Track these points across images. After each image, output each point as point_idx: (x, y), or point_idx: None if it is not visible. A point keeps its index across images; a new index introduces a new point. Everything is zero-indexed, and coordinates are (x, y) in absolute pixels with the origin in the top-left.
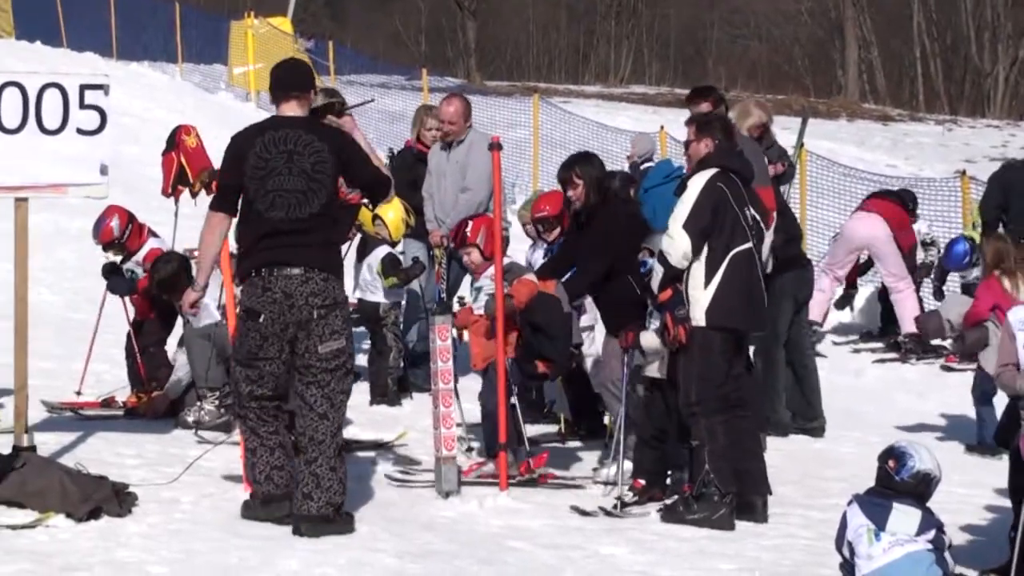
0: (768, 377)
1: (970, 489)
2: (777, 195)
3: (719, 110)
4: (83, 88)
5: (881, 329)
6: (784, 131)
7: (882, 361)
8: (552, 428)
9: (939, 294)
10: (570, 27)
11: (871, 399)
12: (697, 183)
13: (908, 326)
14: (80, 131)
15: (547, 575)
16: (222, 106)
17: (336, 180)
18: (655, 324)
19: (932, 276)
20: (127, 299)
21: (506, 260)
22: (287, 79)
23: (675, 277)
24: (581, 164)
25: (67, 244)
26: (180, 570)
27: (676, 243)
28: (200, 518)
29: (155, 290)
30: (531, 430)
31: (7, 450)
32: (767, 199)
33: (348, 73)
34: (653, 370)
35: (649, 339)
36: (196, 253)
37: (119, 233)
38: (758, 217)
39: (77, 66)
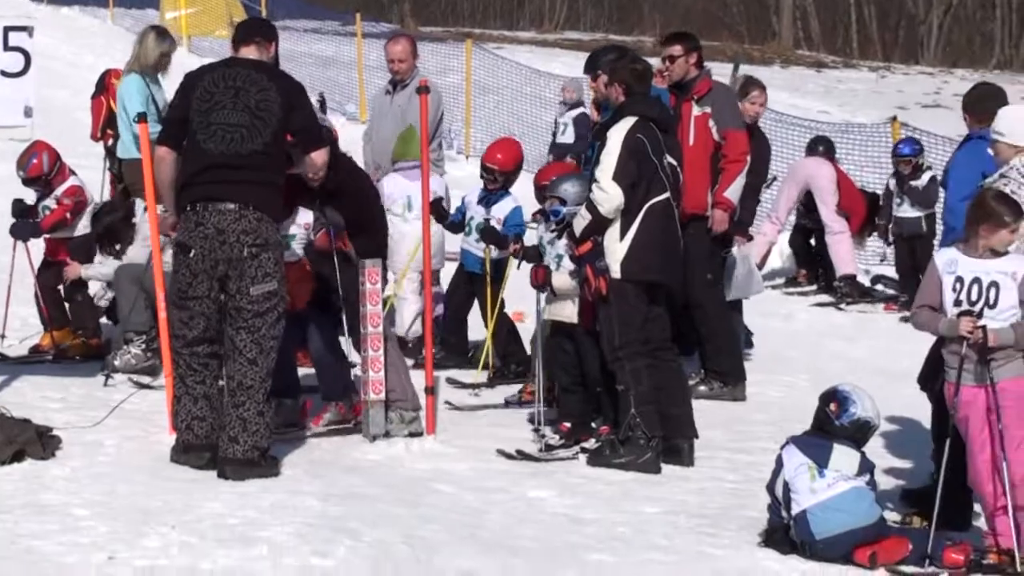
0: (720, 323)
1: (893, 427)
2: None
3: (692, 56)
4: (7, 30)
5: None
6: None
7: (819, 305)
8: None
9: None
10: None
11: (800, 344)
12: (617, 133)
13: (843, 268)
14: (4, 73)
15: (472, 518)
16: None
17: (282, 121)
18: (567, 266)
19: None
20: (31, 243)
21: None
22: (251, 26)
23: (597, 229)
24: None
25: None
26: (103, 512)
27: (611, 196)
28: (124, 461)
29: (98, 238)
30: (458, 375)
31: None
32: (741, 143)
33: (282, 18)
34: (565, 314)
35: (562, 280)
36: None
37: (47, 169)
38: (676, 164)
39: (3, 9)
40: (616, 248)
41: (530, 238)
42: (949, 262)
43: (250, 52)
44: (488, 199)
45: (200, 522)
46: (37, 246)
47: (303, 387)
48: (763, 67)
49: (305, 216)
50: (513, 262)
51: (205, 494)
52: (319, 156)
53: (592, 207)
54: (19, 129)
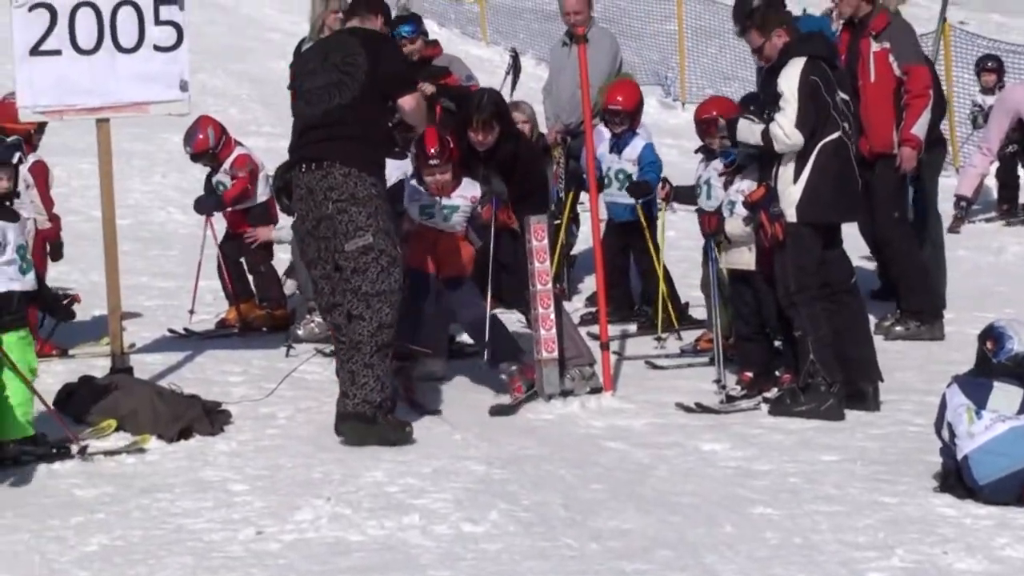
0: (910, 261)
1: None
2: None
3: None
4: (157, 3)
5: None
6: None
7: None
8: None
9: None
10: None
11: (1009, 278)
12: (791, 77)
13: None
14: (157, 48)
15: (637, 475)
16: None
17: (369, 74)
18: (740, 212)
19: None
20: (215, 216)
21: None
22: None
23: (767, 164)
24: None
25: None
26: (261, 487)
27: (792, 143)
28: (292, 433)
29: (277, 192)
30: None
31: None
32: (923, 77)
33: None
34: (743, 262)
35: (735, 226)
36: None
37: (213, 143)
38: (848, 99)
39: None
40: (790, 191)
41: (683, 177)
42: None
43: (353, 23)
44: (617, 144)
45: (357, 492)
46: (220, 222)
47: None
48: None
49: (472, 188)
50: (667, 213)
51: (366, 463)
52: (405, 102)
53: (768, 139)
54: (176, 103)
